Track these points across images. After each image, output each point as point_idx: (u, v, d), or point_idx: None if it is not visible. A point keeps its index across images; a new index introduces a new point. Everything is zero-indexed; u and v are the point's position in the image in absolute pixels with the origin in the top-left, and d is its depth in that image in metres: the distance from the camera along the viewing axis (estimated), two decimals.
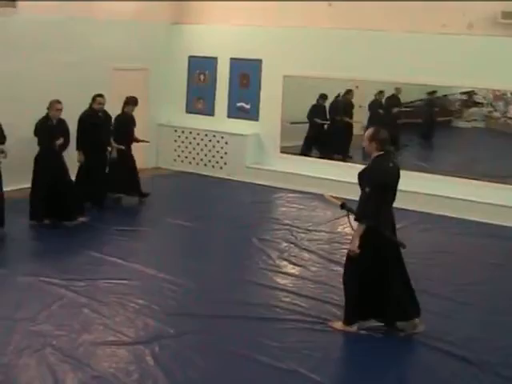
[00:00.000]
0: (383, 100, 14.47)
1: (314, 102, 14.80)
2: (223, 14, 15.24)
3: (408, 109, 14.50)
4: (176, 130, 15.83)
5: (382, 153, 7.19)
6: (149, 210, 12.60)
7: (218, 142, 15.03)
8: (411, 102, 14.55)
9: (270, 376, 6.49)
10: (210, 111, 15.55)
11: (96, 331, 7.22)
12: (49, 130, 10.73)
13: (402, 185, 7.36)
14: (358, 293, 7.34)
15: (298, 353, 6.92)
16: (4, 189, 10.33)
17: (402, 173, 7.42)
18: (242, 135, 14.80)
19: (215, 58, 15.50)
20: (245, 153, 14.43)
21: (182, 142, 15.78)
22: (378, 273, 7.25)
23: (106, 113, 12.14)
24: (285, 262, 9.71)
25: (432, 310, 7.89)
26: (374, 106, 14.54)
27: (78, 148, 11.79)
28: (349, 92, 14.51)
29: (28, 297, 8.04)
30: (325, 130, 14.97)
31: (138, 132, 12.90)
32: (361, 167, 7.50)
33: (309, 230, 11.33)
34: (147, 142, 13.26)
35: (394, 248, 7.29)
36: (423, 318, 7.46)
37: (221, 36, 15.36)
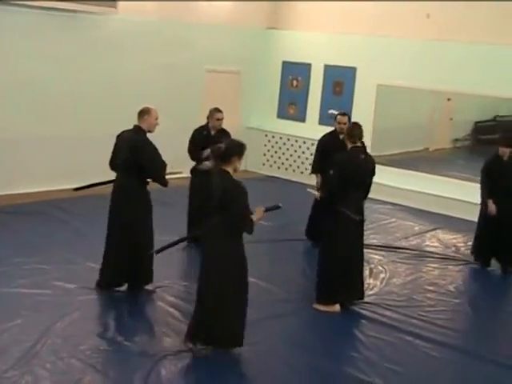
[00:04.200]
0: None
1: (406, 112, 14.57)
2: (318, 20, 15.28)
3: None
4: (266, 135, 15.94)
5: (355, 145, 8.00)
6: None
7: (308, 148, 14.99)
8: None
9: None
10: (301, 117, 15.57)
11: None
12: (203, 141, 9.67)
13: None
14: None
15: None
16: None
17: None
18: None
19: (309, 64, 15.53)
20: None
21: (272, 147, 15.89)
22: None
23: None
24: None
25: None
26: None
27: (314, 171, 10.82)
28: None
29: None
30: None
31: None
32: None
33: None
34: None
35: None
36: None
37: (315, 42, 15.40)
